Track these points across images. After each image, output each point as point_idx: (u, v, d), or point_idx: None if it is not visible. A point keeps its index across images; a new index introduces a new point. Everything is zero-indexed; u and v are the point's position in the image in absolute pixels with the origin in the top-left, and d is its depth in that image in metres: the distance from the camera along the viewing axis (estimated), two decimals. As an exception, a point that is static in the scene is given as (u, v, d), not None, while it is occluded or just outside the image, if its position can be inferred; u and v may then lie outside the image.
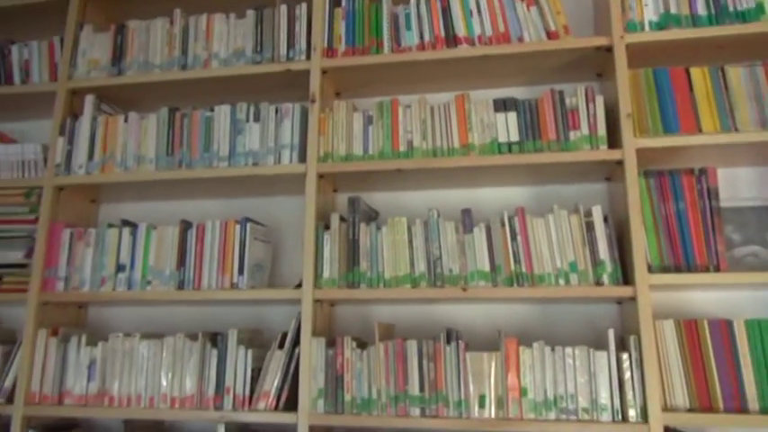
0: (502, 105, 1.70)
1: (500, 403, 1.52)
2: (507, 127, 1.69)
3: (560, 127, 1.66)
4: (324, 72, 1.84)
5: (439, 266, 1.63)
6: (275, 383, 1.65)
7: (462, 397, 1.54)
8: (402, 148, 1.73)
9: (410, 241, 1.67)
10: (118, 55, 2.00)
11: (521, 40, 1.72)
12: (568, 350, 1.51)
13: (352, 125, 1.78)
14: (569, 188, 1.86)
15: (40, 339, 1.82)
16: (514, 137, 1.68)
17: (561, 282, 1.57)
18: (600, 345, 1.60)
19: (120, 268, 1.82)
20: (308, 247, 1.70)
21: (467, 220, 1.64)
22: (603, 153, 1.61)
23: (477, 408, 1.52)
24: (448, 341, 1.58)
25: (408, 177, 1.81)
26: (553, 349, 1.52)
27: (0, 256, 1.92)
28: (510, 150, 1.68)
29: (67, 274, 1.85)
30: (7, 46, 2.08)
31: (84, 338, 1.79)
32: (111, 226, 1.86)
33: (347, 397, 1.60)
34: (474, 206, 1.90)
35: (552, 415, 1.49)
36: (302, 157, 1.79)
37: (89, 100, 1.97)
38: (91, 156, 1.92)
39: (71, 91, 2.00)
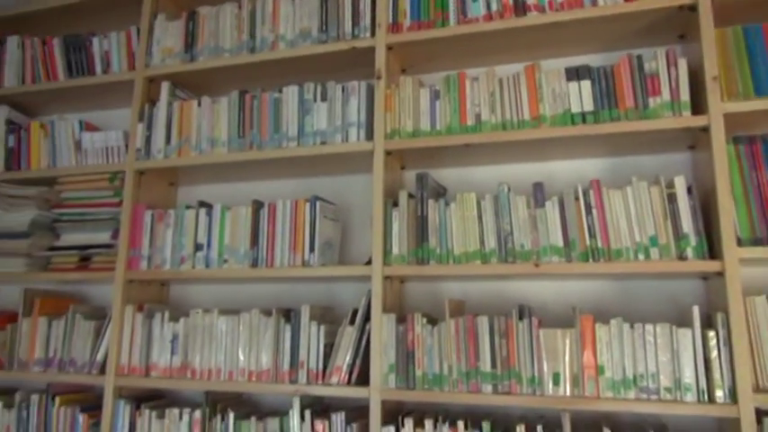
0: (575, 74, 1.63)
1: (575, 381, 1.47)
2: (581, 96, 1.62)
3: (639, 94, 1.57)
4: (389, 48, 1.82)
5: (510, 242, 1.60)
6: (347, 359, 1.68)
7: (536, 374, 1.50)
8: (470, 122, 1.70)
9: (480, 217, 1.64)
10: (190, 42, 2.06)
11: (594, 3, 1.64)
12: (649, 327, 1.45)
13: (418, 101, 1.76)
14: (649, 159, 1.77)
15: (128, 315, 1.92)
16: (588, 106, 1.61)
17: (641, 257, 1.49)
18: (683, 322, 1.52)
19: (198, 247, 1.89)
20: (376, 224, 1.71)
21: (538, 194, 1.59)
22: (687, 120, 1.51)
23: (551, 385, 1.49)
24: (520, 318, 1.54)
25: (477, 152, 1.77)
26: (632, 326, 1.46)
27: (89, 237, 2.04)
28: (584, 121, 1.61)
29: (150, 254, 1.95)
30: (89, 38, 2.19)
31: (167, 314, 1.88)
32: (188, 207, 1.94)
33: (418, 372, 1.60)
34: (546, 180, 1.84)
35: (632, 394, 1.43)
36: (369, 135, 1.79)
37: (164, 87, 2.04)
38: (168, 140, 2.00)
39: (148, 79, 2.09)
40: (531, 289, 1.79)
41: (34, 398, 1.98)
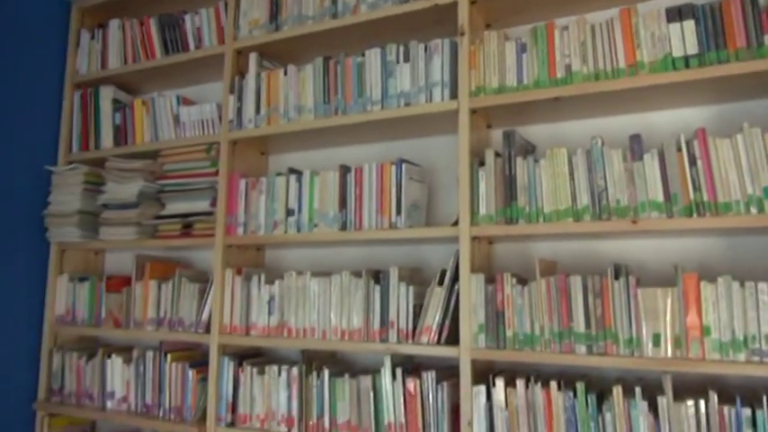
0: (676, 14, 1.50)
1: (678, 342, 1.40)
2: (683, 38, 1.50)
3: (751, 31, 1.43)
4: (472, 2, 1.77)
5: (604, 198, 1.52)
6: (436, 318, 1.69)
7: (634, 335, 1.44)
8: (559, 74, 1.62)
9: (571, 173, 1.57)
10: (274, 12, 2.10)
11: (698, -65, 1.50)
12: (762, 286, 1.34)
13: (504, 56, 1.70)
14: (762, 104, 1.61)
15: (228, 278, 2.04)
16: (692, 49, 1.48)
17: (753, 210, 1.38)
18: (803, 280, 1.40)
19: (289, 213, 1.96)
20: (463, 184, 1.69)
21: (636, 146, 1.50)
22: (808, 56, 1.36)
23: (650, 346, 1.42)
24: (616, 277, 1.48)
25: (567, 106, 1.69)
26: (742, 285, 1.36)
27: (190, 206, 2.16)
28: (687, 65, 1.49)
29: (246, 220, 2.04)
30: (182, 16, 2.29)
31: (263, 277, 1.97)
32: (279, 174, 2.00)
33: (508, 333, 1.58)
34: (644, 131, 1.73)
35: (742, 356, 1.34)
36: (454, 94, 1.76)
37: (252, 58, 2.10)
38: (258, 110, 2.06)
39: (236, 51, 2.16)
40: (628, 247, 1.71)
41: (149, 354, 2.16)
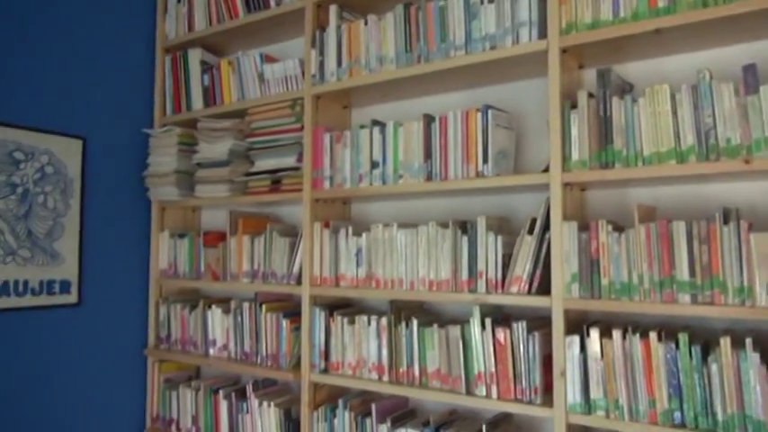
0: (801, -76, 1.33)
1: (797, 290, 1.29)
2: (809, -48, 1.32)
3: None
4: (562, -68, 1.65)
5: (712, 137, 1.41)
6: (526, 268, 1.65)
7: (745, 283, 1.35)
8: (661, 3, 1.49)
9: (674, 111, 1.46)
10: (353, -39, 2.06)
11: None
12: None
13: (597, -12, 1.59)
14: None
15: (316, 231, 2.08)
16: (820, -37, 1.31)
17: None
18: None
19: (374, 165, 1.96)
20: (553, 128, 1.61)
21: (750, 77, 1.36)
22: None
23: (764, 296, 1.32)
24: (725, 221, 1.37)
25: (669, 38, 1.56)
26: None
27: (278, 162, 2.21)
28: (812, -18, 1.32)
29: (331, 174, 2.06)
30: (262, -27, 2.30)
31: (350, 230, 2.00)
32: (362, 127, 2.00)
33: (604, 282, 1.52)
34: (760, 61, 1.57)
35: None
36: (542, 33, 1.66)
37: (332, 10, 2.08)
38: (339, 63, 2.06)
39: (316, 4, 2.14)
40: (737, 190, 1.58)
41: (245, 305, 2.27)
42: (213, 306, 2.37)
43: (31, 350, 2.18)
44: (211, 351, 2.37)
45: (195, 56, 2.48)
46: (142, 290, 2.58)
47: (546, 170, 1.64)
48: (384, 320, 1.92)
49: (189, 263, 2.46)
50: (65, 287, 2.28)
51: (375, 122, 1.98)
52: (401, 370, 1.88)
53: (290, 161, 2.18)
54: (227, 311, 2.34)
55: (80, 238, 2.34)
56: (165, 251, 2.56)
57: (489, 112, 1.73)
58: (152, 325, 2.57)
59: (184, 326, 2.47)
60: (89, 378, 2.36)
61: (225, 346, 2.34)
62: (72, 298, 2.31)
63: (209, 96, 2.43)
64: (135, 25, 2.58)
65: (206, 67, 2.46)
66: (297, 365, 2.12)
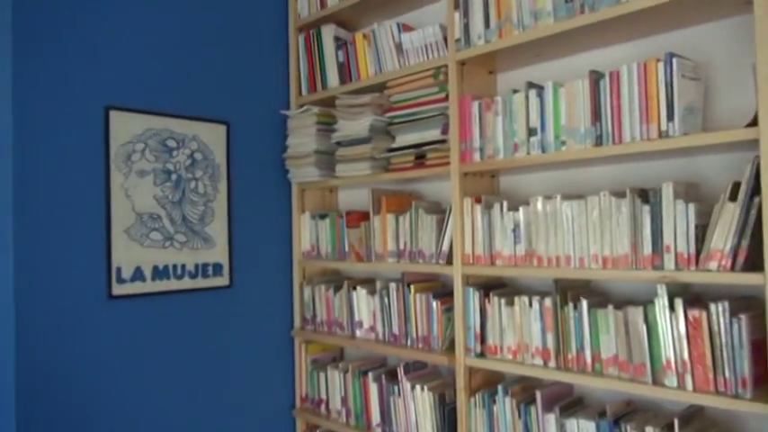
0: None
1: None
2: None
3: None
4: None
5: None
6: (729, 240, 1.42)
7: None
8: None
9: None
10: None
11: None
12: None
13: None
14: None
15: (467, 207, 1.95)
16: None
17: None
18: None
19: (531, 132, 1.79)
20: (763, 74, 1.35)
21: None
22: None
23: None
24: None
25: None
26: None
27: (421, 136, 2.10)
28: None
29: (482, 145, 1.92)
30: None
31: (505, 204, 1.85)
32: (515, 92, 1.83)
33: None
34: None
35: None
36: (744, -39, 1.40)
37: (476, -33, 1.92)
38: (487, 24, 1.89)
39: (458, -37, 1.99)
40: None
41: (392, 285, 2.20)
42: (358, 287, 2.33)
43: (189, 330, 2.26)
44: (358, 332, 2.33)
45: (329, 32, 2.42)
46: (286, 271, 2.60)
47: (752, 124, 1.39)
48: (548, 301, 1.76)
49: (331, 244, 2.43)
50: (217, 270, 2.34)
51: (531, 85, 1.80)
52: (569, 356, 1.71)
53: (434, 134, 2.06)
54: (372, 292, 2.29)
55: (228, 221, 2.38)
56: (306, 233, 2.55)
57: (674, 60, 1.50)
58: (297, 306, 2.59)
59: (329, 307, 2.45)
60: (241, 357, 2.42)
61: (372, 328, 2.29)
62: (224, 280, 2.36)
63: (345, 73, 2.37)
64: (268, 6, 2.57)
65: (340, 43, 2.39)
66: (450, 348, 2.02)
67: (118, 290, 2.06)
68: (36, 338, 1.88)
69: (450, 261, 2.01)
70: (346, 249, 2.35)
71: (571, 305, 1.71)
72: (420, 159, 2.10)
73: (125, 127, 2.10)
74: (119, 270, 2.06)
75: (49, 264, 1.92)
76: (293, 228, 2.60)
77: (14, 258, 1.85)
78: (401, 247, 2.16)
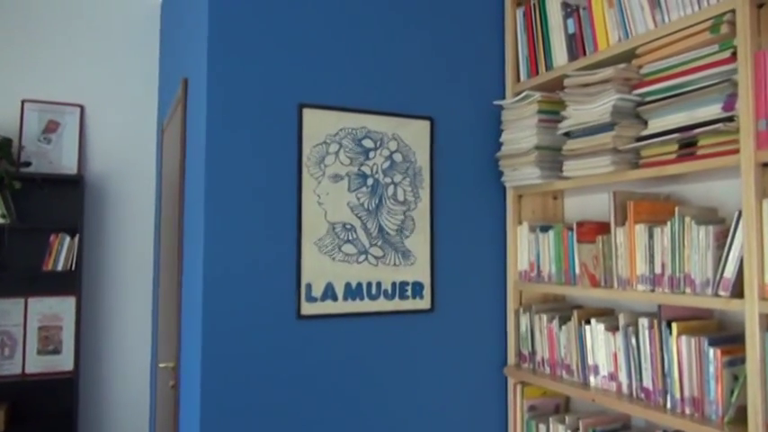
0: None
1: None
2: None
3: None
4: None
5: None
6: None
7: None
8: None
9: None
10: None
11: None
12: None
13: None
14: None
15: (766, 214, 1.32)
16: None
17: None
18: None
19: None
20: None
21: None
22: None
23: None
24: None
25: None
26: None
27: (688, 116, 1.51)
28: None
29: (797, 120, 1.27)
30: None
31: (844, 208, 1.18)
32: None
33: None
34: None
35: None
36: None
37: None
38: (806, -64, 1.26)
39: None
40: None
41: (643, 322, 1.62)
42: (593, 320, 1.79)
43: (384, 360, 1.94)
44: (592, 380, 1.79)
45: (554, 0, 1.95)
46: (499, 296, 2.15)
47: None
48: None
49: (556, 263, 1.93)
50: (417, 290, 1.99)
51: None
52: None
53: (712, 111, 1.45)
54: (613, 329, 1.73)
55: (431, 233, 2.03)
56: (524, 248, 2.08)
57: None
58: (511, 339, 2.12)
59: (553, 343, 1.94)
60: (442, 396, 2.03)
61: (612, 376, 1.73)
62: (425, 303, 2.00)
63: (576, 46, 1.87)
64: (480, -18, 2.18)
65: (569, 11, 1.90)
66: (737, 421, 1.38)
67: (308, 309, 1.82)
68: (219, 366, 1.71)
69: (737, 293, 1.38)
70: (576, 271, 1.83)
71: None
72: (688, 148, 1.51)
73: (319, 126, 1.88)
74: (308, 287, 1.83)
75: (237, 278, 1.74)
76: (508, 242, 2.14)
77: (203, 274, 1.71)
78: (657, 270, 1.58)
